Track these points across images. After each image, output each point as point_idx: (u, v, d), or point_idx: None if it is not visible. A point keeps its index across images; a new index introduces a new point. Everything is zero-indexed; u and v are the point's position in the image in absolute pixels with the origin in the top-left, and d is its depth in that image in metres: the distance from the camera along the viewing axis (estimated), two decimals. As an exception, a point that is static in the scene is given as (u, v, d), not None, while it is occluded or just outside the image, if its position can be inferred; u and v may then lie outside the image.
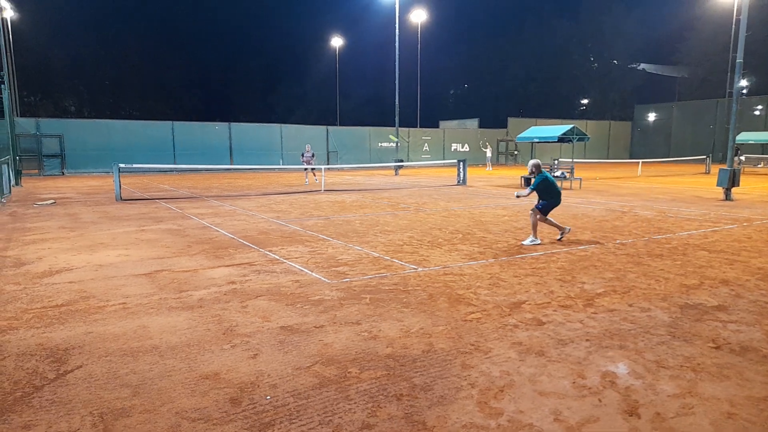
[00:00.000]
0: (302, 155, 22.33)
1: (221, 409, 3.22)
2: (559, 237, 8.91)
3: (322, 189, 19.06)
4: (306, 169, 22.31)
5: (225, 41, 68.80)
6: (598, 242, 8.65)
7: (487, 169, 35.08)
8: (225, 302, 5.37)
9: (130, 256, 7.68)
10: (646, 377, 3.65)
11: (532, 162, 8.96)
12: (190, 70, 62.84)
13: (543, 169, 8.86)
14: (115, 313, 5.05)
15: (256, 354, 4.06)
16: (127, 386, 3.53)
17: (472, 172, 28.54)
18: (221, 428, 3.01)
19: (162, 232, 9.71)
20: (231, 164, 32.52)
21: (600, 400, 3.32)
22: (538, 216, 8.59)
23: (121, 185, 16.24)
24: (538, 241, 8.56)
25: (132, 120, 37.84)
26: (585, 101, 66.75)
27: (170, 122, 32.70)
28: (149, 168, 28.88)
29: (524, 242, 8.61)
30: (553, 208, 8.73)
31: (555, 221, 8.97)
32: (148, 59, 58.60)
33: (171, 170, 30.95)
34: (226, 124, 34.25)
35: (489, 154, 36.16)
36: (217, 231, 9.86)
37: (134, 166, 18.78)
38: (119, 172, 15.78)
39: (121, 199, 15.50)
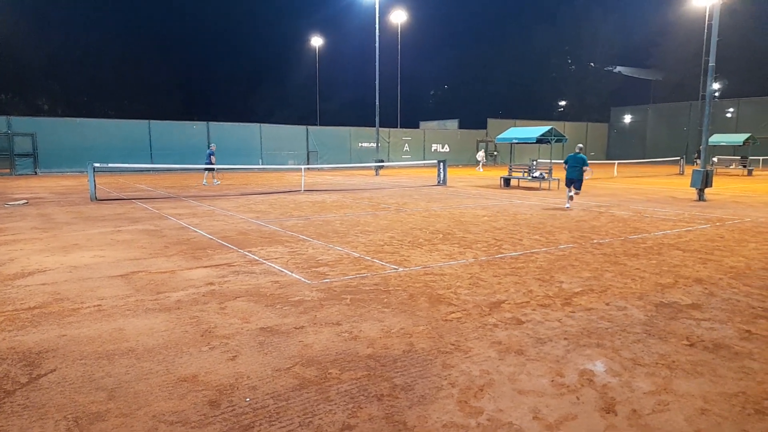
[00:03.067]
0: (212, 155, 20.86)
1: (199, 412, 3.17)
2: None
3: (302, 189, 18.97)
4: (211, 170, 21.19)
5: (204, 41, 67.87)
6: (575, 242, 8.77)
7: (478, 169, 35.21)
8: (203, 304, 5.30)
9: (106, 257, 7.53)
10: (622, 375, 3.71)
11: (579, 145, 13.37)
12: (169, 69, 61.78)
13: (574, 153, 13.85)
14: (90, 315, 4.95)
15: (235, 356, 4.01)
16: (103, 390, 3.46)
17: (458, 173, 28.69)
18: (200, 431, 2.97)
19: (138, 233, 9.55)
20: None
21: (578, 398, 3.37)
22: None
23: (96, 185, 15.94)
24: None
25: (108, 119, 37.15)
26: (563, 103, 67.69)
27: (147, 121, 32.18)
28: (125, 168, 28.40)
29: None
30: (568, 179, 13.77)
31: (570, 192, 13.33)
32: (125, 58, 57.47)
33: (148, 170, 30.49)
34: (205, 123, 33.87)
35: (480, 156, 36.15)
36: (195, 231, 9.73)
37: (110, 165, 18.37)
38: (94, 171, 15.48)
39: (96, 199, 15.20)
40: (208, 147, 21.55)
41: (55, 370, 3.76)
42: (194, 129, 33.40)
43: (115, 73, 57.08)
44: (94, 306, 5.23)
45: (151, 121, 32.35)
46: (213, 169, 21.47)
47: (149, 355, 4.03)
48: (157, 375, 3.68)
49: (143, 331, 4.52)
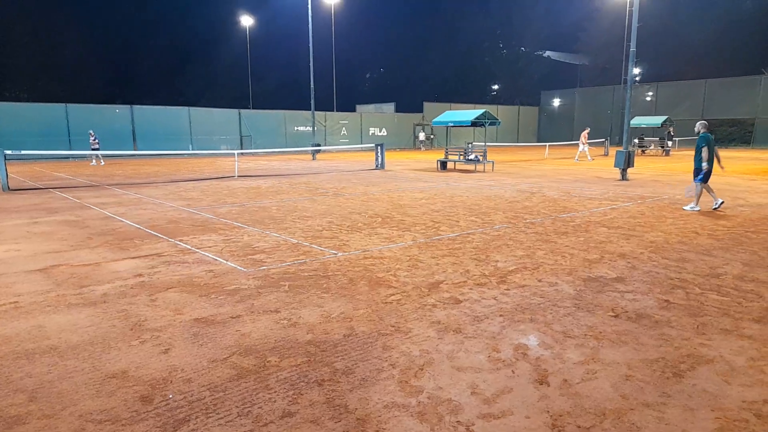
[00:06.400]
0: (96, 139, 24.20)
1: (130, 409, 3.03)
2: (715, 206, 10.21)
3: (236, 175, 18.44)
4: (96, 155, 24.77)
5: (124, 16, 63.56)
6: (509, 222, 9.05)
7: (421, 149, 39.77)
8: (132, 296, 5.05)
9: (22, 250, 7.02)
10: (554, 347, 3.87)
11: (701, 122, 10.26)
12: (86, 48, 57.56)
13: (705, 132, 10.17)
14: (6, 313, 4.60)
15: (168, 348, 3.86)
16: (22, 391, 3.23)
17: (396, 156, 28.78)
18: (131, 428, 2.83)
19: (58, 224, 8.97)
20: (135, 150, 30.60)
21: (513, 372, 3.48)
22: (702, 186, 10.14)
23: (8, 174, 14.79)
24: (698, 208, 10.17)
25: (20, 102, 34.45)
26: (496, 87, 69.25)
27: (64, 105, 30.08)
28: (41, 155, 26.50)
29: (685, 207, 10.35)
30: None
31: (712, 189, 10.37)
32: (38, 35, 53.07)
33: (66, 157, 28.61)
34: (128, 106, 32.09)
35: (422, 137, 40.44)
36: (121, 221, 9.25)
37: (23, 152, 17.09)
38: (5, 159, 14.34)
39: (8, 189, 14.12)
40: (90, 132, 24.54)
41: (-35, 374, 3.47)
42: (117, 113, 31.62)
43: (27, 52, 52.60)
44: (10, 303, 4.86)
45: (69, 104, 30.27)
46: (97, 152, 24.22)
47: (73, 352, 3.80)
48: (82, 373, 3.48)
49: (66, 328, 4.25)
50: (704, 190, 10.19)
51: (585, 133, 26.51)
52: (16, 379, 3.40)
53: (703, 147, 9.96)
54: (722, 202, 10.24)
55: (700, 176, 10.07)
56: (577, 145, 27.16)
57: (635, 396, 3.17)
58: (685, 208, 10.33)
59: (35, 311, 4.65)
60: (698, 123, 10.32)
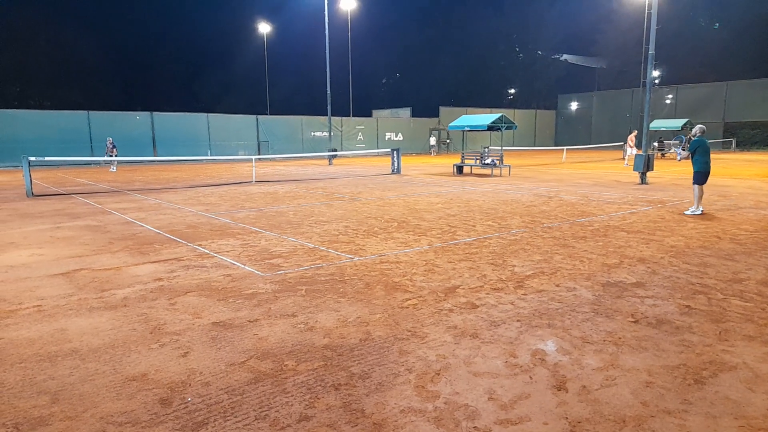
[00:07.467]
0: (114, 147, 25.10)
1: (150, 411, 3.07)
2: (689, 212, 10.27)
3: (254, 180, 18.60)
4: (112, 161, 25.33)
5: (141, 24, 64.51)
6: (526, 226, 8.98)
7: (432, 154, 40.50)
8: (151, 300, 5.13)
9: (45, 255, 7.16)
10: (572, 353, 3.83)
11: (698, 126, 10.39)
12: (104, 55, 58.41)
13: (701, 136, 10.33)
14: (29, 316, 4.70)
15: (187, 352, 3.90)
16: (45, 393, 3.30)
17: (412, 161, 28.80)
18: (150, 430, 2.87)
19: (80, 229, 9.13)
20: (155, 156, 31.05)
21: (531, 377, 3.45)
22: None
23: (33, 180, 15.12)
24: (700, 210, 10.13)
25: (43, 110, 35.17)
26: (512, 91, 68.91)
27: (86, 112, 30.66)
28: (64, 161, 27.03)
29: (686, 212, 10.24)
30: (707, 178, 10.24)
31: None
32: (57, 44, 54.00)
33: (88, 163, 29.12)
34: (148, 113, 32.58)
35: (433, 142, 41.38)
36: (141, 226, 9.39)
37: (46, 159, 17.38)
38: (30, 166, 14.66)
39: (32, 195, 14.42)
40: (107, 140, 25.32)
41: (-9, 375, 3.55)
42: (137, 120, 32.11)
43: (48, 60, 53.57)
44: (34, 306, 4.96)
45: (91, 111, 30.85)
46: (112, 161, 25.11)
47: (94, 355, 3.86)
48: (103, 375, 3.53)
49: (87, 331, 4.33)
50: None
51: (632, 136, 26.03)
52: (40, 381, 3.47)
53: (690, 151, 10.35)
54: (701, 212, 10.23)
55: (697, 179, 10.25)
56: (624, 149, 26.71)
57: (656, 403, 3.12)
58: (685, 212, 10.26)
59: (58, 314, 4.74)
60: (697, 126, 10.44)
